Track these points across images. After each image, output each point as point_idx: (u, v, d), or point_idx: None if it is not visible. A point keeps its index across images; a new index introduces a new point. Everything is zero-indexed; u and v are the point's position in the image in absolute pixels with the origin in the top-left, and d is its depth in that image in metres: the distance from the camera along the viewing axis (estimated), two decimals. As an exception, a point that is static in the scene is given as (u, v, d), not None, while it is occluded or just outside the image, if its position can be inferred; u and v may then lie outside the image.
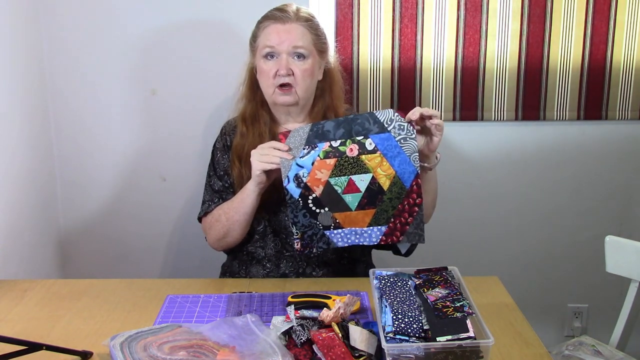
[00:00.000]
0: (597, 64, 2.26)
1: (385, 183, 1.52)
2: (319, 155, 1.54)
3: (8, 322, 1.46)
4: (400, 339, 1.21)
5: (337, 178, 1.54)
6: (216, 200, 1.80)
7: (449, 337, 1.19)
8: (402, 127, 1.52)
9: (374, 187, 1.53)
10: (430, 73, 2.25)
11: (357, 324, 1.32)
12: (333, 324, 1.30)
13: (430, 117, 1.53)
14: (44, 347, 1.25)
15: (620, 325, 1.75)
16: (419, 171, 1.52)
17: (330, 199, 1.54)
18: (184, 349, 1.26)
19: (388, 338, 1.21)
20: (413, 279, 1.41)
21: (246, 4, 2.05)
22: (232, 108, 1.88)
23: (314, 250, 1.58)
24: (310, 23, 1.72)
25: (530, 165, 2.38)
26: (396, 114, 1.53)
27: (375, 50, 2.23)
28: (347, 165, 1.53)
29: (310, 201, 1.55)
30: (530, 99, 2.29)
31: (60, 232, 2.33)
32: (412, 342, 1.20)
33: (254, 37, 1.76)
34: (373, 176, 1.53)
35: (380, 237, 1.55)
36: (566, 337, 2.51)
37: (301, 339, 1.28)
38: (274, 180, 1.65)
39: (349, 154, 1.53)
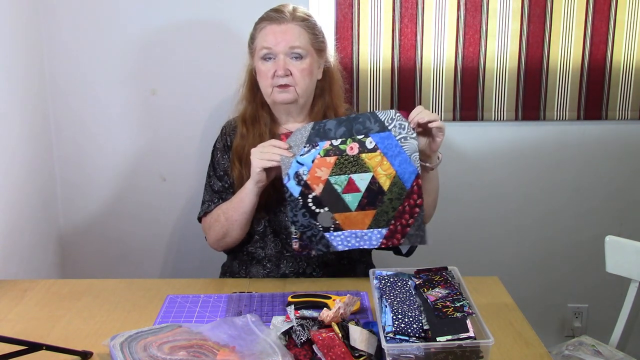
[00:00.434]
0: (597, 64, 2.26)
1: (385, 183, 1.52)
2: (319, 153, 1.54)
3: (8, 322, 1.46)
4: (400, 339, 1.21)
5: (337, 177, 1.53)
6: (216, 200, 1.80)
7: (449, 337, 1.20)
8: (402, 126, 1.52)
9: (374, 186, 1.52)
10: (430, 73, 2.25)
11: (357, 324, 1.32)
12: (333, 324, 1.30)
13: (429, 122, 1.53)
14: (44, 347, 1.25)
15: (620, 325, 1.75)
16: (420, 171, 1.52)
17: (330, 198, 1.54)
18: (184, 349, 1.26)
19: (388, 338, 1.21)
20: (413, 279, 1.41)
21: (246, 4, 2.05)
22: (232, 108, 1.88)
23: (313, 253, 1.57)
24: (306, 22, 1.72)
25: (530, 165, 2.38)
26: (397, 114, 1.53)
27: (375, 50, 2.23)
28: (347, 164, 1.53)
29: (310, 200, 1.54)
30: (530, 99, 2.29)
31: (60, 232, 2.33)
32: (412, 342, 1.20)
33: (252, 39, 1.76)
34: (373, 175, 1.52)
35: (380, 240, 1.54)
36: (566, 337, 2.51)
37: (301, 339, 1.28)
38: (273, 180, 1.65)
39: (349, 152, 1.53)
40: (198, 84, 2.22)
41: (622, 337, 1.75)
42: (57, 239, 2.31)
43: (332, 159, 1.54)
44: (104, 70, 2.20)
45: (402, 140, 1.52)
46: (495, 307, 1.51)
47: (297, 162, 1.55)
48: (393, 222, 1.53)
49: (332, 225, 1.54)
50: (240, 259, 1.84)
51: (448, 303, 1.29)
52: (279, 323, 1.37)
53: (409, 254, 1.72)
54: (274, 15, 1.71)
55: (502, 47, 2.24)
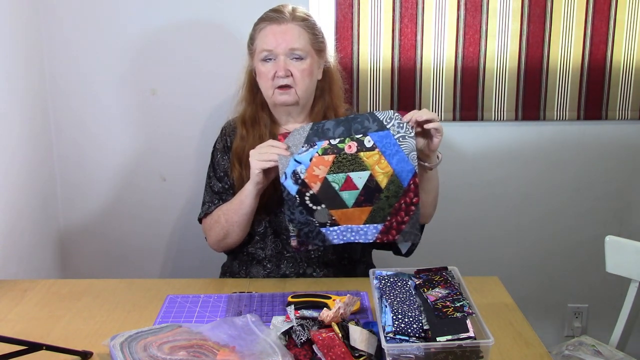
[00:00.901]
0: (597, 64, 2.26)
1: (382, 181, 1.53)
2: (317, 152, 1.54)
3: (8, 322, 1.46)
4: (400, 339, 1.21)
5: (334, 175, 1.54)
6: (216, 201, 1.80)
7: (449, 337, 1.20)
8: (401, 125, 1.52)
9: (371, 184, 1.53)
10: (430, 73, 2.25)
11: (357, 324, 1.32)
12: (333, 324, 1.30)
13: (427, 122, 1.54)
14: (44, 347, 1.25)
15: (620, 325, 1.75)
16: (417, 170, 1.52)
17: (327, 195, 1.54)
18: (184, 349, 1.26)
19: (388, 338, 1.21)
20: (413, 279, 1.41)
21: (246, 4, 2.05)
22: (232, 108, 1.88)
23: (310, 247, 1.59)
24: (306, 22, 1.72)
25: (530, 165, 2.38)
26: (396, 113, 1.53)
27: (375, 50, 2.23)
28: (345, 162, 1.54)
29: (307, 198, 1.55)
30: (530, 99, 2.29)
31: (60, 232, 2.33)
32: (412, 342, 1.20)
33: (251, 40, 1.76)
34: (371, 173, 1.53)
35: (376, 235, 1.55)
36: (566, 337, 2.51)
37: (301, 339, 1.28)
38: (274, 181, 1.65)
39: (347, 150, 1.54)
40: (198, 84, 2.22)
41: (622, 337, 1.75)
42: (57, 239, 2.31)
43: (330, 157, 1.54)
44: (104, 70, 2.20)
45: (401, 139, 1.52)
46: (495, 307, 1.51)
47: (295, 160, 1.55)
48: (389, 218, 1.54)
49: (329, 221, 1.55)
50: (240, 259, 1.84)
51: (448, 303, 1.29)
52: (279, 323, 1.37)
53: (408, 253, 1.72)
54: (274, 16, 1.71)
55: (502, 47, 2.24)
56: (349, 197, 1.54)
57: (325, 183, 1.54)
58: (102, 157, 2.28)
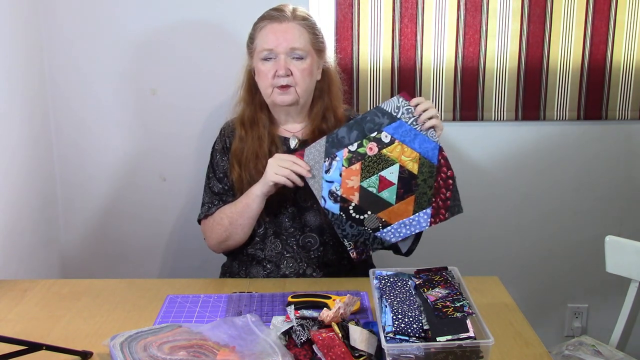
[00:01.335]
0: (597, 64, 2.26)
1: (414, 167, 1.56)
2: (343, 165, 1.56)
3: (8, 322, 1.46)
4: (400, 339, 1.21)
5: (368, 180, 1.57)
6: (216, 202, 1.80)
7: (449, 337, 1.20)
8: (409, 110, 1.56)
9: (404, 174, 1.56)
10: (430, 73, 2.25)
11: (357, 324, 1.32)
12: (333, 324, 1.29)
13: (430, 118, 1.56)
14: (44, 347, 1.25)
15: (620, 325, 1.75)
16: (440, 144, 1.56)
17: (369, 202, 1.57)
18: (184, 349, 1.26)
19: (388, 338, 1.21)
20: (413, 279, 1.41)
21: (246, 4, 2.05)
22: (231, 109, 1.88)
23: (370, 253, 1.61)
24: (307, 22, 1.72)
25: (530, 165, 2.38)
26: (401, 99, 1.56)
27: (375, 50, 2.23)
28: (373, 164, 1.56)
29: (351, 211, 1.57)
30: (530, 99, 2.29)
31: (60, 232, 2.33)
32: (412, 342, 1.20)
33: (251, 39, 1.76)
34: (400, 165, 1.56)
35: (429, 220, 1.58)
36: (566, 337, 2.51)
37: (301, 339, 1.28)
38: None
39: (369, 153, 1.56)
40: (198, 84, 2.22)
41: (622, 337, 1.75)
42: (57, 238, 2.31)
43: (357, 166, 1.56)
44: (104, 70, 2.20)
45: (414, 123, 1.56)
46: (495, 307, 1.51)
47: (326, 181, 1.57)
48: (434, 199, 1.57)
49: (380, 224, 1.58)
50: (240, 259, 1.84)
51: (448, 303, 1.29)
52: (279, 323, 1.37)
53: (408, 253, 1.72)
54: (275, 14, 1.71)
55: (502, 47, 2.24)
56: (389, 195, 1.56)
57: (363, 191, 1.57)
58: (102, 157, 2.28)
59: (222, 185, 1.81)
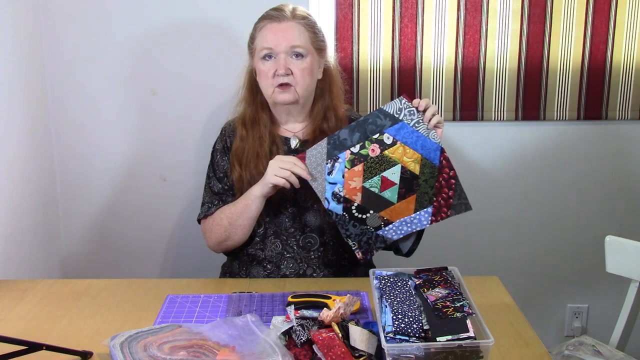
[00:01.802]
0: (597, 64, 2.26)
1: (415, 168, 1.57)
2: (345, 166, 1.57)
3: (8, 322, 1.46)
4: (400, 339, 1.21)
5: (370, 181, 1.58)
6: (216, 202, 1.80)
7: (449, 337, 1.19)
8: (412, 112, 1.57)
9: (406, 175, 1.57)
10: (430, 73, 2.25)
11: (357, 324, 1.32)
12: (333, 324, 1.29)
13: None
14: (44, 347, 1.25)
15: (620, 325, 1.75)
16: (442, 146, 1.57)
17: (371, 201, 1.58)
18: (184, 349, 1.26)
19: (388, 338, 1.21)
20: (413, 279, 1.41)
21: (246, 4, 2.05)
22: (232, 109, 1.88)
23: (374, 252, 1.62)
24: (307, 21, 1.72)
25: (530, 166, 2.38)
26: (403, 100, 1.57)
27: (375, 50, 2.23)
28: (375, 165, 1.57)
29: (354, 211, 1.59)
30: (530, 99, 2.29)
31: (60, 232, 2.33)
32: (412, 342, 1.20)
33: (252, 39, 1.76)
34: (402, 166, 1.57)
35: (429, 218, 1.59)
36: (566, 337, 2.51)
37: (301, 339, 1.28)
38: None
39: (371, 154, 1.57)
40: (198, 84, 2.22)
41: (622, 337, 1.75)
42: (57, 239, 2.31)
43: (359, 167, 1.57)
44: (104, 70, 2.20)
45: (416, 124, 1.57)
46: (495, 307, 1.51)
47: (329, 182, 1.58)
48: (435, 199, 1.58)
49: (382, 223, 1.59)
50: (240, 259, 1.84)
51: (448, 303, 1.29)
52: (279, 323, 1.37)
53: (409, 254, 1.72)
54: (274, 14, 1.71)
55: (502, 47, 2.24)
56: (391, 194, 1.58)
57: (365, 191, 1.58)
58: (102, 157, 2.28)
59: (222, 185, 1.81)
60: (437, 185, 1.58)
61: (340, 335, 1.26)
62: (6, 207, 1.94)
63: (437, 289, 1.35)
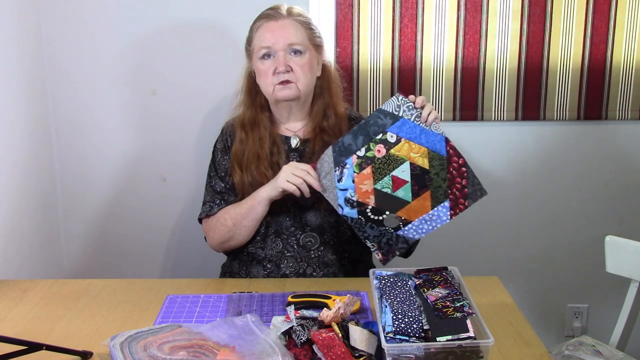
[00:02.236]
0: (597, 64, 2.26)
1: (424, 162, 1.56)
2: (354, 171, 1.57)
3: (8, 322, 1.46)
4: (400, 339, 1.21)
5: (381, 182, 1.57)
6: (217, 201, 1.80)
7: (449, 337, 1.19)
8: (410, 107, 1.56)
9: (416, 171, 1.56)
10: (430, 73, 2.25)
11: (357, 324, 1.32)
12: (333, 324, 1.29)
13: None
14: (44, 347, 1.25)
15: (620, 325, 1.75)
16: (446, 135, 1.56)
17: (385, 202, 1.57)
18: (184, 349, 1.26)
19: (388, 338, 1.21)
20: (413, 279, 1.41)
21: (246, 4, 2.05)
22: (231, 109, 1.88)
23: (397, 253, 1.60)
24: (302, 18, 1.73)
25: (530, 165, 2.38)
26: (400, 97, 1.57)
27: (375, 50, 2.23)
28: (383, 166, 1.56)
29: (369, 213, 1.58)
30: (530, 99, 2.29)
31: (60, 232, 2.33)
32: (412, 342, 1.20)
33: (249, 41, 1.76)
34: (410, 162, 1.56)
35: (448, 213, 1.57)
36: (566, 337, 2.51)
37: (301, 339, 1.28)
38: None
39: (378, 155, 1.57)
40: (198, 84, 2.22)
41: (622, 337, 1.75)
42: (57, 238, 2.31)
43: (368, 170, 1.57)
44: (104, 70, 2.20)
45: (416, 119, 1.56)
46: (495, 307, 1.51)
47: (340, 189, 1.58)
48: (450, 191, 1.56)
49: (400, 223, 1.57)
50: (240, 259, 1.84)
51: (448, 303, 1.29)
52: (279, 323, 1.37)
53: (407, 254, 1.73)
54: (270, 13, 1.72)
55: (502, 47, 2.24)
56: (404, 193, 1.56)
57: (378, 193, 1.57)
58: (102, 157, 2.28)
59: (223, 184, 1.81)
60: (449, 177, 1.56)
61: (340, 335, 1.26)
62: (6, 207, 1.94)
63: (437, 289, 1.35)
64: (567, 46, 2.25)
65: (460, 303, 1.28)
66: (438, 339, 1.20)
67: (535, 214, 2.42)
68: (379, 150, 1.56)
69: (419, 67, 2.25)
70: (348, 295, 1.39)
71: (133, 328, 1.34)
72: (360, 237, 1.60)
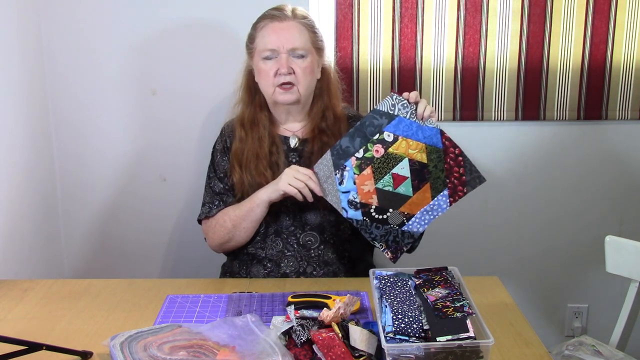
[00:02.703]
0: (597, 64, 2.26)
1: (422, 157, 1.58)
2: (354, 173, 1.58)
3: (8, 322, 1.46)
4: (400, 339, 1.21)
5: (382, 181, 1.58)
6: (217, 202, 1.80)
7: (449, 337, 1.19)
8: (405, 105, 1.58)
9: (415, 166, 1.58)
10: (430, 73, 2.25)
11: (357, 324, 1.32)
12: (333, 324, 1.29)
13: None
14: (44, 347, 1.25)
15: (620, 325, 1.75)
16: (441, 128, 1.58)
17: (388, 200, 1.59)
18: (184, 349, 1.26)
19: (388, 338, 1.21)
20: (413, 279, 1.41)
21: (246, 4, 2.05)
22: (231, 108, 1.88)
23: (405, 250, 1.62)
24: (307, 21, 1.73)
25: (530, 165, 2.38)
26: (394, 95, 1.58)
27: (375, 50, 2.23)
28: (383, 165, 1.58)
29: (373, 214, 1.59)
30: (530, 99, 2.29)
31: (60, 232, 2.33)
32: (412, 342, 1.20)
33: (251, 39, 1.76)
34: (408, 159, 1.58)
35: (448, 200, 1.59)
36: (566, 337, 2.50)
37: (301, 339, 1.28)
38: None
39: (377, 155, 1.58)
40: (198, 84, 2.22)
41: (622, 337, 1.75)
42: (57, 239, 2.31)
43: (368, 170, 1.58)
44: (104, 70, 2.20)
45: (411, 116, 1.58)
46: (495, 307, 1.51)
47: (342, 192, 1.59)
48: (448, 180, 1.58)
49: (404, 218, 1.59)
50: (240, 259, 1.84)
51: (448, 303, 1.29)
52: (279, 323, 1.37)
53: (411, 250, 1.72)
54: (275, 13, 1.72)
55: (502, 47, 2.24)
56: (405, 189, 1.58)
57: (380, 192, 1.59)
58: (102, 157, 2.28)
59: (223, 185, 1.81)
60: (446, 167, 1.58)
61: (340, 335, 1.26)
62: (6, 208, 1.94)
63: (437, 289, 1.35)
64: (567, 46, 2.25)
65: (460, 303, 1.28)
66: (438, 339, 1.20)
67: (535, 213, 2.42)
68: (377, 151, 1.57)
69: (419, 67, 2.25)
70: (348, 295, 1.39)
71: (133, 328, 1.34)
72: (368, 239, 1.61)
